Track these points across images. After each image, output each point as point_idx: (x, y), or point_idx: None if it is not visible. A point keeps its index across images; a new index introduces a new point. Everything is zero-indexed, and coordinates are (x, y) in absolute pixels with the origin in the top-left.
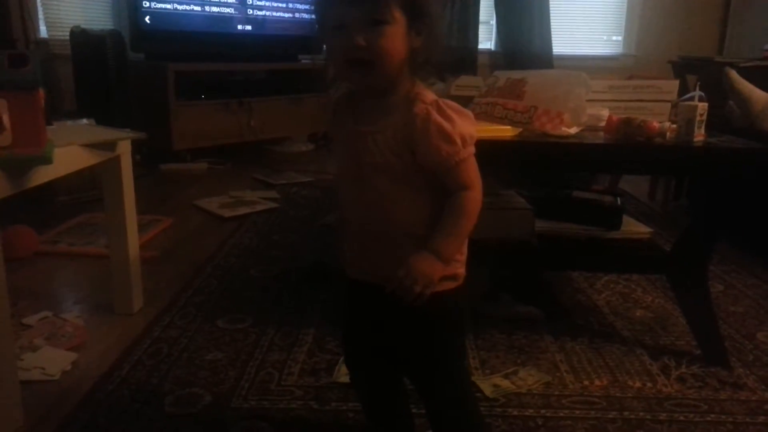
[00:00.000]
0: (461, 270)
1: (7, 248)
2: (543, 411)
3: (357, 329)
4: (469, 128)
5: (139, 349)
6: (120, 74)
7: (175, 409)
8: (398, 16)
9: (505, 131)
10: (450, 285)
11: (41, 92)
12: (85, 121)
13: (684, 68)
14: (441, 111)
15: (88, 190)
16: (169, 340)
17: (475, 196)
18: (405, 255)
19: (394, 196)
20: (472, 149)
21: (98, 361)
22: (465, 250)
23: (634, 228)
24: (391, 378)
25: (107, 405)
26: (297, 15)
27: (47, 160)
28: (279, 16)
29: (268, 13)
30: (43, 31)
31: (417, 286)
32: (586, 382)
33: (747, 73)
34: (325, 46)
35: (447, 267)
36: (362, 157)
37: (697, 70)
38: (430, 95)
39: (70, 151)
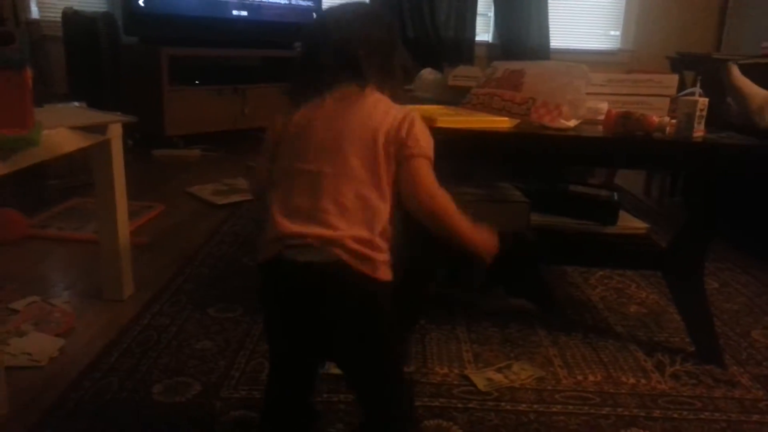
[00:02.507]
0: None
1: None
2: (536, 406)
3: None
4: None
5: (128, 336)
6: (113, 57)
7: (164, 397)
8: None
9: (503, 122)
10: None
11: (29, 72)
12: (75, 104)
13: (681, 64)
14: None
15: (79, 174)
16: (158, 327)
17: None
18: None
19: None
20: None
21: (86, 348)
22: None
23: (630, 223)
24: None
25: (94, 392)
26: (293, 2)
27: (33, 142)
28: (275, 2)
29: None
30: (35, 12)
31: None
32: (579, 378)
33: (745, 70)
34: None
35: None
36: None
37: (694, 67)
38: None
39: (58, 133)
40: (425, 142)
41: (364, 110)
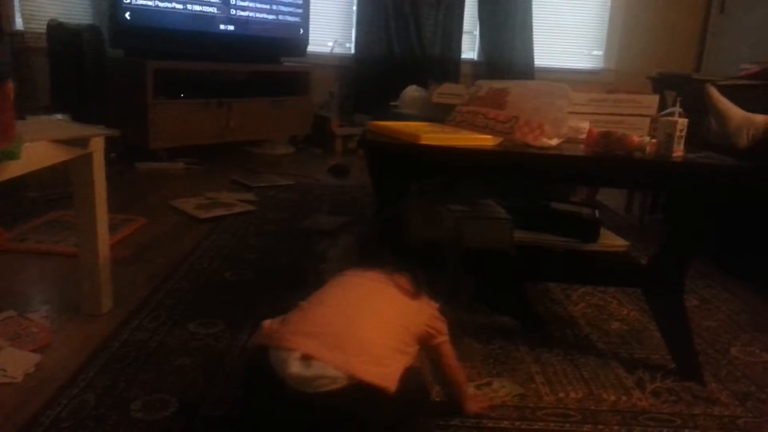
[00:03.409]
0: None
1: None
2: (518, 423)
3: None
4: None
5: (106, 351)
6: (97, 70)
7: (142, 414)
8: None
9: (486, 140)
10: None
11: (10, 85)
12: (58, 116)
13: (663, 84)
14: None
15: (60, 187)
16: (137, 343)
17: None
18: None
19: None
20: None
21: (63, 364)
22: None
23: (611, 241)
24: None
25: (71, 409)
26: (281, 17)
27: (14, 156)
28: (262, 18)
29: (251, 14)
30: (19, 24)
31: None
32: (561, 395)
33: (725, 92)
34: None
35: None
36: None
37: (675, 87)
38: None
39: (40, 146)
40: None
41: None
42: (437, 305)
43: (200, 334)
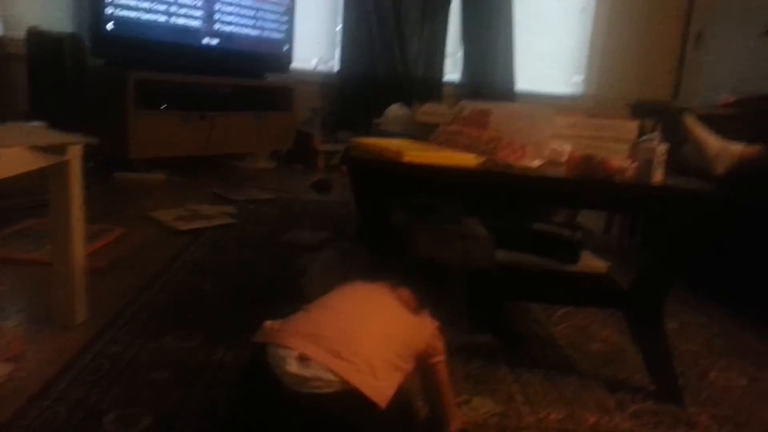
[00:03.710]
0: None
1: None
2: None
3: None
4: None
5: (79, 363)
6: (77, 78)
7: (114, 428)
8: None
9: (469, 160)
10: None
11: None
12: (36, 123)
13: (642, 111)
14: None
15: (36, 195)
16: (111, 355)
17: None
18: None
19: None
20: None
21: (35, 375)
22: None
23: (591, 262)
24: None
25: (42, 421)
26: (265, 33)
27: None
28: (247, 33)
29: (235, 29)
30: None
31: None
32: (542, 414)
33: (703, 121)
34: None
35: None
36: None
37: (654, 114)
38: None
39: (15, 152)
40: None
41: None
42: (437, 324)
43: (176, 347)
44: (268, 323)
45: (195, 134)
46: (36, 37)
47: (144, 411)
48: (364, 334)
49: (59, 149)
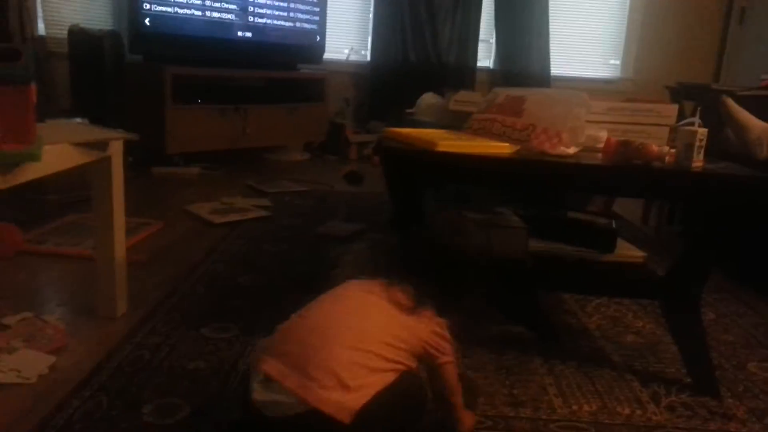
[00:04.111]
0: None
1: None
2: None
3: None
4: None
5: (119, 354)
6: (117, 75)
7: (153, 418)
8: None
9: (503, 148)
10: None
11: (33, 88)
12: (78, 119)
13: (681, 94)
14: None
15: (78, 190)
16: (151, 346)
17: None
18: None
19: None
20: None
21: (77, 366)
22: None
23: (627, 252)
24: None
25: (83, 411)
26: (298, 24)
27: (35, 157)
28: (280, 25)
29: (269, 21)
30: (41, 29)
31: None
32: (575, 407)
33: (744, 102)
34: None
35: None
36: None
37: (693, 97)
38: None
39: (60, 149)
40: None
41: None
42: (443, 322)
43: (214, 338)
44: (260, 341)
45: (229, 127)
46: (77, 35)
47: (182, 401)
48: (336, 343)
49: (101, 145)
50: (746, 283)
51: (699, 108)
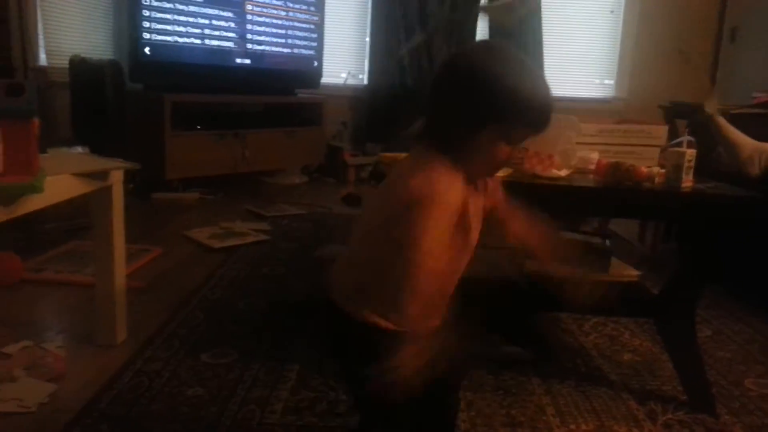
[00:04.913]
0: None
1: None
2: None
3: None
4: None
5: (119, 381)
6: (117, 103)
7: None
8: None
9: None
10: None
11: (36, 122)
12: (78, 148)
13: (674, 113)
14: None
15: (77, 218)
16: (150, 373)
17: None
18: None
19: None
20: None
21: (77, 394)
22: None
23: (622, 270)
24: None
25: None
26: (296, 50)
27: (38, 189)
28: (278, 51)
29: (267, 48)
30: (42, 59)
31: None
32: (572, 426)
33: (737, 120)
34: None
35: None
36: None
37: (686, 116)
38: None
39: (61, 180)
40: None
41: None
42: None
43: (213, 364)
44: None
45: (228, 153)
46: (78, 65)
47: (182, 427)
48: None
49: (102, 175)
50: (742, 299)
51: (687, 128)
